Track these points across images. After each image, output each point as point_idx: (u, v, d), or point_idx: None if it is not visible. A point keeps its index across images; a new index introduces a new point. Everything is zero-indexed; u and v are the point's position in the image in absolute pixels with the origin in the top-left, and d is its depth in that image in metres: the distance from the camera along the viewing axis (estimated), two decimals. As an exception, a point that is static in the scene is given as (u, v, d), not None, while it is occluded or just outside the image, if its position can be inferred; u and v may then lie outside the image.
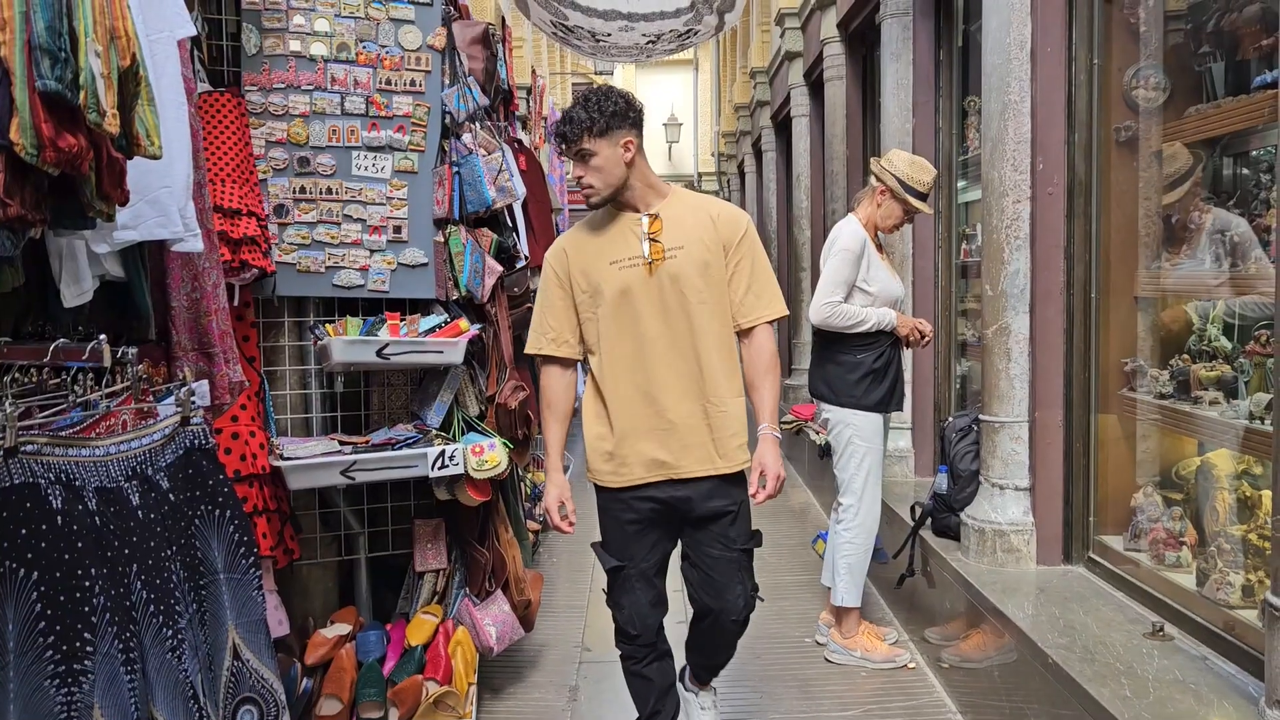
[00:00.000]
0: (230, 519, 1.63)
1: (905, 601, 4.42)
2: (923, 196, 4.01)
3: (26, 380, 1.60)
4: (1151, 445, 3.52)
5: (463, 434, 3.57)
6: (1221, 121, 3.14)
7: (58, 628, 1.34)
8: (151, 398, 1.66)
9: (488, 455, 3.41)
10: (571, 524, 2.85)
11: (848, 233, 4.01)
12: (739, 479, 2.84)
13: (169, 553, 1.48)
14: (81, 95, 1.44)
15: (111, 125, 1.49)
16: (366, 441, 3.39)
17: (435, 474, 3.33)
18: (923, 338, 4.05)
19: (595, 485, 2.89)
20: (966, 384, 5.19)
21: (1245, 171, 3.24)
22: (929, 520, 4.14)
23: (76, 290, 1.87)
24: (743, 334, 2.82)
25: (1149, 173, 3.48)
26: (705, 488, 2.78)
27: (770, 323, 2.81)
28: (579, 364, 2.93)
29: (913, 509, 4.24)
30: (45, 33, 1.42)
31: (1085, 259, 3.58)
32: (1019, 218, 3.63)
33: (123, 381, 1.68)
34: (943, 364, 5.37)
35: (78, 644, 1.35)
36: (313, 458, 3.20)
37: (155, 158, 1.66)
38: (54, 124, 1.43)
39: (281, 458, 3.14)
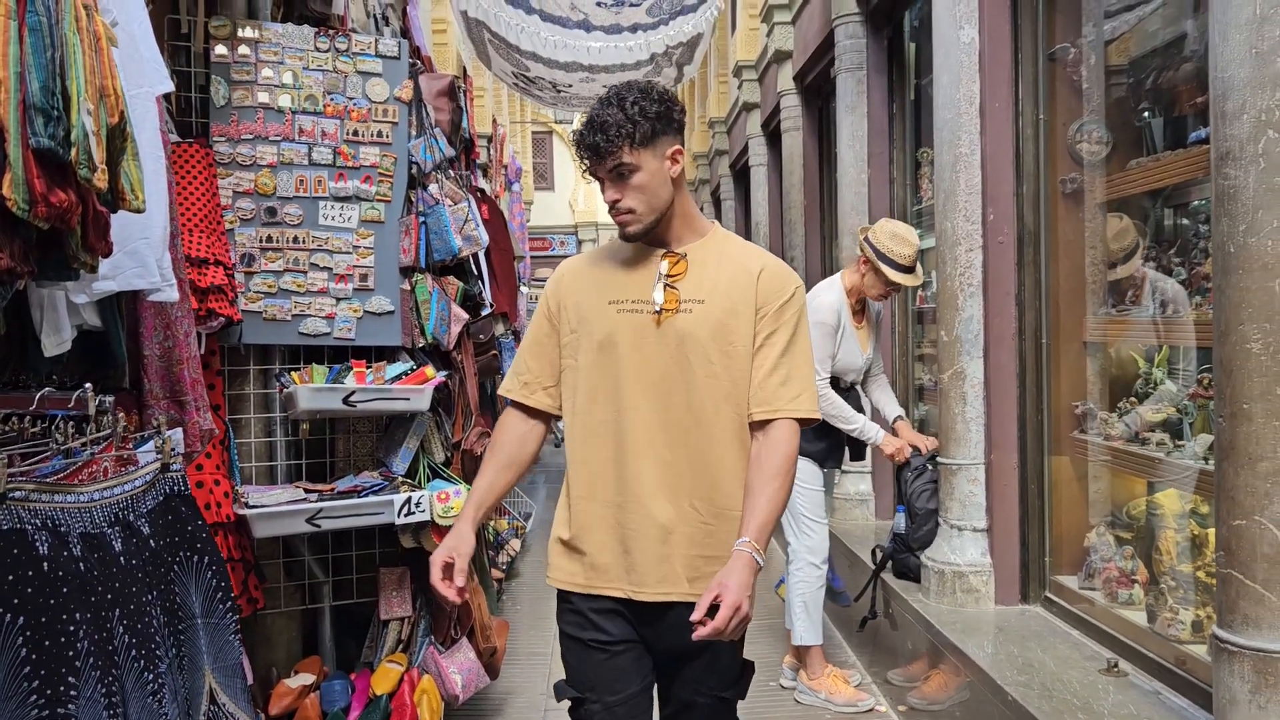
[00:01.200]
0: (208, 565, 1.65)
1: (868, 643, 4.47)
2: (906, 269, 3.97)
3: (8, 429, 1.61)
4: (1103, 486, 3.62)
5: (429, 480, 3.58)
6: (1161, 174, 3.29)
7: (42, 672, 1.36)
8: (131, 445, 1.69)
9: (454, 502, 3.42)
10: (460, 591, 2.08)
11: (824, 305, 3.99)
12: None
13: (150, 598, 1.50)
14: (73, 152, 1.48)
15: (101, 181, 1.53)
16: (332, 489, 3.40)
17: (401, 521, 3.34)
18: (907, 462, 4.11)
19: (555, 588, 2.22)
20: (925, 427, 5.29)
21: (1185, 221, 3.39)
22: (890, 562, 4.21)
23: (56, 340, 1.89)
24: (755, 426, 2.08)
25: (1094, 224, 3.62)
26: (675, 617, 2.06)
27: (796, 422, 2.06)
28: (552, 419, 2.27)
29: (873, 552, 4.31)
30: (40, 92, 1.46)
31: (1036, 305, 3.71)
32: (971, 266, 3.76)
33: (99, 430, 1.70)
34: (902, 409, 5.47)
35: (61, 688, 1.37)
36: (278, 505, 3.20)
37: (139, 211, 1.69)
38: (46, 180, 1.46)
39: (247, 505, 3.13)
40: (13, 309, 1.83)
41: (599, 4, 6.39)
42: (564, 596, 2.18)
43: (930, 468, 4.05)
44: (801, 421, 2.07)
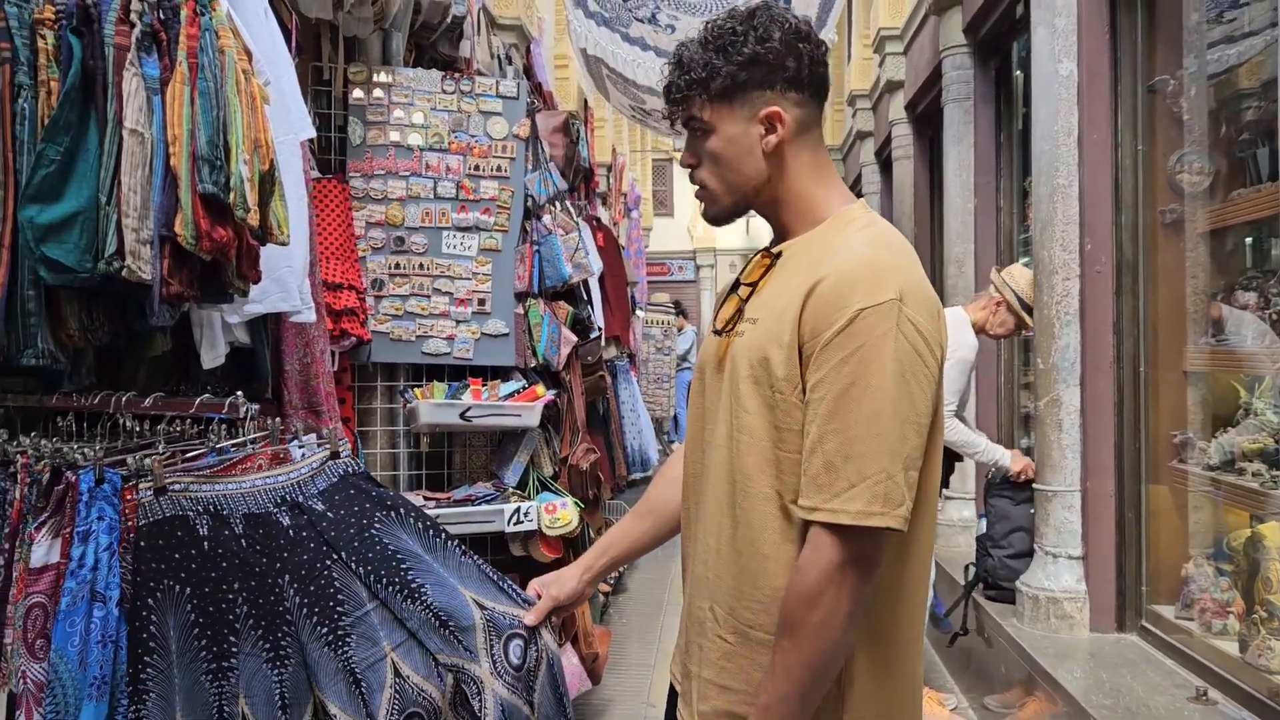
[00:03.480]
0: (408, 514, 1.83)
1: (965, 667, 4.50)
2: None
3: (172, 430, 1.91)
4: (1203, 516, 3.61)
5: (537, 493, 3.82)
6: (1265, 205, 3.30)
7: (209, 633, 1.65)
8: (286, 442, 1.97)
9: (560, 513, 3.65)
10: (535, 619, 1.75)
11: (965, 342, 4.00)
12: None
13: (329, 562, 1.73)
14: (232, 195, 1.76)
15: (253, 219, 1.81)
16: (449, 498, 3.67)
17: (511, 529, 3.59)
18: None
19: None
20: (1030, 456, 5.28)
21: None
22: (982, 582, 4.25)
23: (213, 355, 2.20)
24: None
25: (1195, 253, 3.63)
26: None
27: (835, 530, 1.34)
28: None
29: (966, 569, 4.36)
30: (206, 146, 1.75)
31: (1134, 334, 3.73)
32: (1068, 294, 3.80)
33: (247, 433, 1.97)
34: (1006, 436, 5.48)
35: (224, 645, 1.65)
36: (400, 511, 3.48)
37: (284, 245, 1.98)
38: (209, 219, 1.75)
39: (372, 510, 3.42)
40: (176, 329, 2.13)
41: (712, 39, 6.61)
42: None
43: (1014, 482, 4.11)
44: (855, 533, 1.33)
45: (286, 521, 1.73)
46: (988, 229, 5.49)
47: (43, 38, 1.78)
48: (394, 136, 3.82)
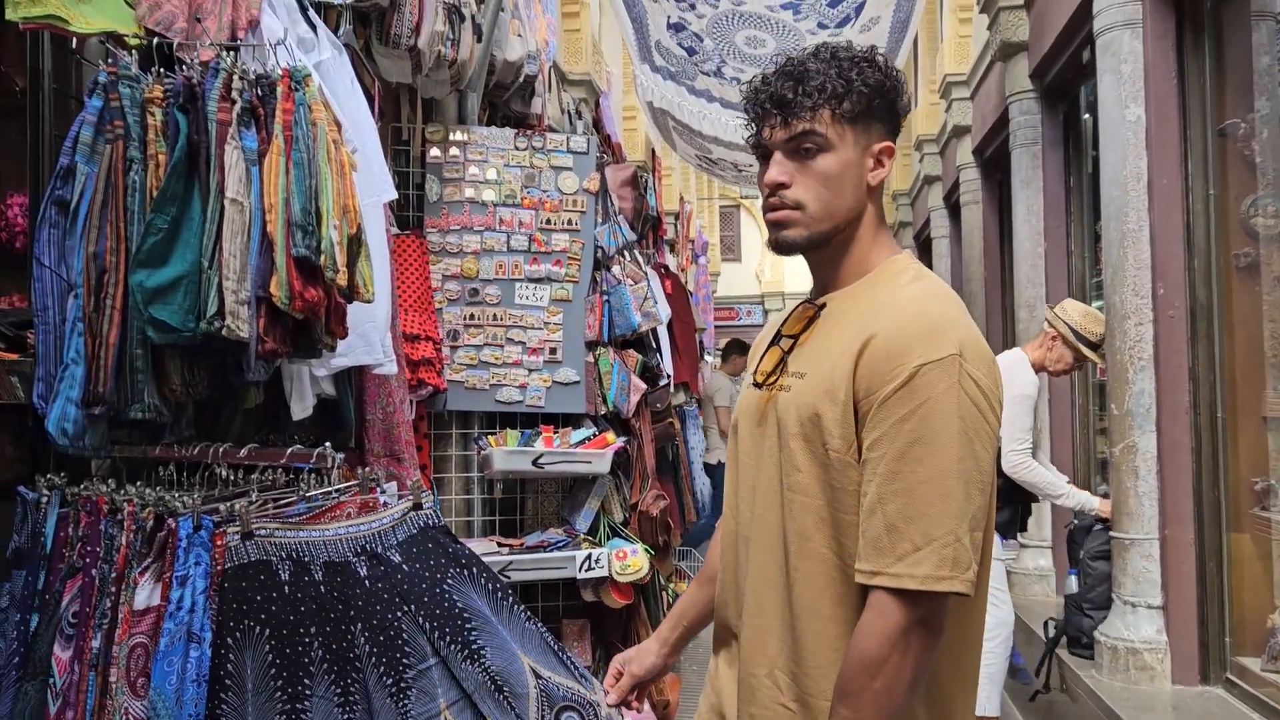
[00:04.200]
0: (479, 574, 1.90)
1: (1044, 718, 4.42)
2: (1095, 346, 3.99)
3: (264, 478, 2.01)
4: (1289, 565, 3.52)
5: (608, 539, 3.88)
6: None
7: (285, 674, 1.74)
8: (376, 492, 2.06)
9: (631, 560, 3.70)
10: (619, 699, 1.76)
11: (1026, 380, 3.98)
12: None
13: (398, 614, 1.81)
14: (323, 258, 1.88)
15: (342, 280, 1.92)
16: (521, 544, 3.74)
17: (583, 575, 3.64)
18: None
19: None
20: (1107, 502, 5.20)
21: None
22: (1064, 636, 4.17)
23: (302, 407, 2.32)
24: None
25: (1273, 296, 3.58)
26: None
27: (899, 594, 1.30)
28: None
29: (1045, 625, 4.28)
30: (300, 213, 1.87)
31: (1210, 379, 3.68)
32: (1141, 339, 3.77)
33: (332, 483, 2.07)
34: (1082, 482, 5.39)
35: (299, 687, 1.74)
36: (475, 556, 3.56)
37: (369, 303, 2.09)
38: (302, 280, 1.87)
39: (448, 555, 3.51)
40: (267, 382, 2.25)
41: (777, 90, 6.71)
42: None
43: (1103, 526, 4.02)
44: (920, 597, 1.28)
45: (364, 571, 1.81)
46: (1058, 273, 5.45)
47: (152, 115, 1.93)
48: (469, 192, 3.96)
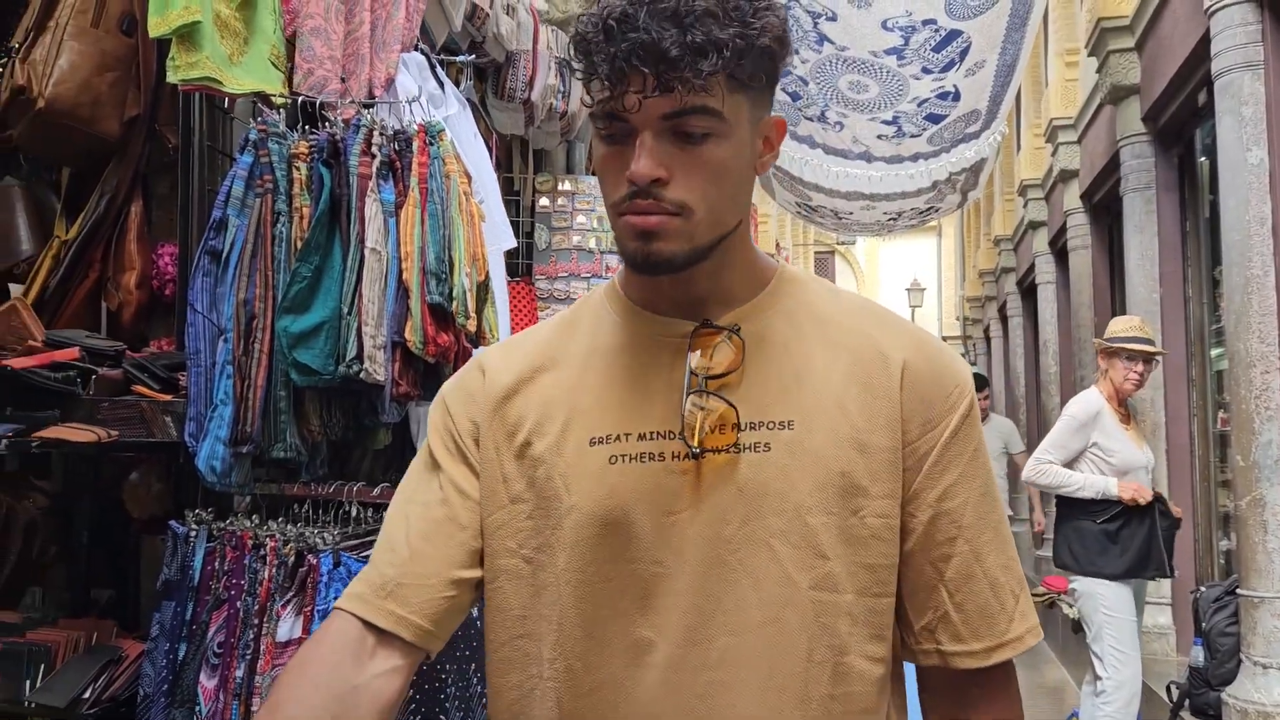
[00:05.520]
0: None
1: (1166, 786, 4.22)
2: (1134, 339, 3.81)
3: (394, 517, 2.09)
4: None
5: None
6: None
7: (422, 710, 1.79)
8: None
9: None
10: None
11: (1078, 400, 3.98)
12: None
13: None
14: (455, 305, 1.95)
15: (471, 325, 2.00)
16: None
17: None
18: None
19: None
20: (1231, 559, 4.97)
21: None
22: (1187, 700, 4.00)
23: (428, 448, 2.40)
24: (938, 675, 1.05)
25: None
26: None
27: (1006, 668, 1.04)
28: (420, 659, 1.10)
29: (1168, 688, 4.11)
30: (434, 261, 1.95)
31: (1345, 431, 3.52)
32: (1268, 388, 3.64)
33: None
34: (1203, 536, 5.19)
35: (432, 721, 1.79)
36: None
37: (495, 347, 2.16)
38: (435, 326, 1.95)
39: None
40: (396, 424, 2.34)
41: (880, 136, 6.69)
42: None
43: (1231, 598, 3.85)
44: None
45: (475, 613, 1.86)
46: (1175, 319, 5.30)
47: (297, 170, 2.04)
48: (576, 240, 4.05)
